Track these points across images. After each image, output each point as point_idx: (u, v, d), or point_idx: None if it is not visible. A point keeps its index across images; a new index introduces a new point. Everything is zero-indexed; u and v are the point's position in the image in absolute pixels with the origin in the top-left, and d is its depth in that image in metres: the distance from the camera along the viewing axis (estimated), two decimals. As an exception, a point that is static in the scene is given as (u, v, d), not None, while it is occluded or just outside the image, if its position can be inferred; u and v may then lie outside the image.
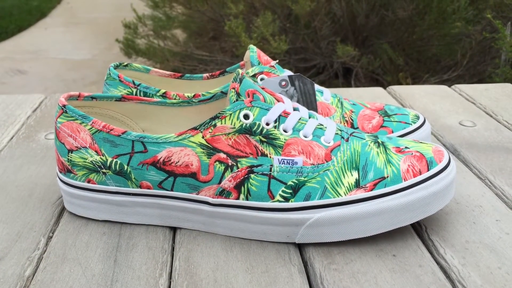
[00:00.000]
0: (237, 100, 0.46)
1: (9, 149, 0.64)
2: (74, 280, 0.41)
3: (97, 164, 0.47)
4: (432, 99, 0.80)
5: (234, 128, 0.45)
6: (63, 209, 0.51)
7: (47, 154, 0.62)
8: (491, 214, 0.50)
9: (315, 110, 0.56)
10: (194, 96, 0.55)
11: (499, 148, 0.64)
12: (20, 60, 3.06)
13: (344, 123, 0.57)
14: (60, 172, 0.49)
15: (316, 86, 0.59)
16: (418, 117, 0.59)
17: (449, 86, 0.86)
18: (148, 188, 0.47)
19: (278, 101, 0.48)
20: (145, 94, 0.56)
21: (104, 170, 0.47)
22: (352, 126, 0.57)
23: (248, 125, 0.45)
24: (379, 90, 0.84)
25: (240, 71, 0.48)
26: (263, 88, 0.49)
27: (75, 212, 0.50)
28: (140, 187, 0.47)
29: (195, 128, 0.46)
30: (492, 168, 0.59)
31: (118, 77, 0.57)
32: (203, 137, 0.45)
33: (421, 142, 0.50)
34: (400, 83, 2.02)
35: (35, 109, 0.76)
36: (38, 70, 2.89)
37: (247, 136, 0.45)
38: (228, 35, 2.02)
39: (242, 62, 0.60)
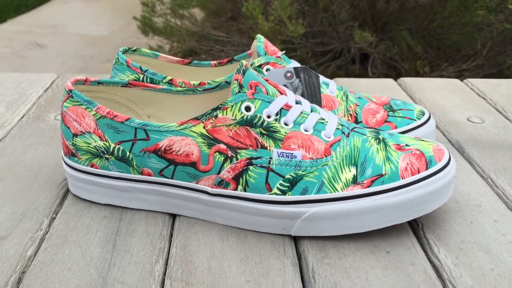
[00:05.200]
0: (239, 91, 0.46)
1: (19, 129, 0.65)
2: (73, 262, 0.43)
3: (100, 149, 0.48)
4: (442, 93, 0.80)
5: (235, 119, 0.46)
6: (67, 191, 0.53)
7: (55, 135, 0.64)
8: (490, 214, 0.51)
9: (319, 102, 0.56)
10: (199, 84, 0.56)
11: (504, 147, 0.63)
12: (39, 34, 3.08)
13: (348, 117, 0.57)
14: (65, 155, 0.51)
15: (322, 78, 0.59)
16: (423, 113, 0.58)
17: (467, 76, 0.85)
18: (149, 175, 0.48)
19: (281, 93, 0.49)
20: (152, 80, 0.57)
21: (107, 156, 0.48)
22: (356, 120, 0.57)
23: (249, 117, 0.46)
24: (389, 81, 0.84)
25: (244, 62, 0.48)
26: (266, 80, 0.49)
27: (78, 194, 0.51)
28: (142, 173, 0.48)
29: (196, 118, 0.46)
30: (496, 167, 0.59)
31: (126, 62, 0.58)
32: (204, 128, 0.46)
33: (422, 140, 0.50)
34: (418, 71, 2.00)
35: (46, 89, 0.77)
36: (56, 44, 2.91)
37: (248, 128, 0.46)
38: (245, 17, 2.01)
39: (249, 51, 0.61)
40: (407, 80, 0.84)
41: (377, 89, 0.81)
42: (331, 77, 2.21)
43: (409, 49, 2.05)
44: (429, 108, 0.74)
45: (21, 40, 2.96)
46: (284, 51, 0.58)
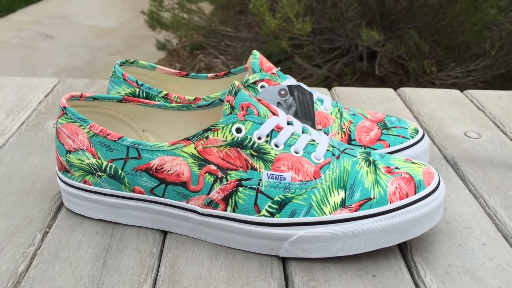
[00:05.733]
0: (230, 113, 0.47)
1: (18, 137, 0.66)
2: (63, 280, 0.44)
3: (93, 166, 0.49)
4: (441, 105, 0.80)
5: (226, 141, 0.46)
6: (61, 204, 0.54)
7: (53, 144, 0.64)
8: (479, 237, 0.51)
9: (313, 120, 0.56)
10: (194, 100, 0.56)
11: (499, 165, 0.63)
12: (48, 24, 3.09)
13: (342, 134, 0.57)
14: (59, 170, 0.51)
15: (317, 94, 0.59)
16: (417, 132, 0.59)
17: (475, 76, 0.85)
18: (141, 193, 0.49)
19: (273, 113, 0.49)
20: (148, 94, 0.57)
21: (99, 173, 0.49)
22: (350, 138, 0.57)
23: (239, 138, 0.46)
24: (389, 92, 0.84)
25: (237, 83, 0.48)
26: (259, 100, 0.50)
27: (72, 209, 0.52)
28: (133, 191, 0.49)
29: (188, 139, 0.47)
30: (489, 186, 0.59)
31: (123, 75, 0.58)
32: (195, 148, 0.46)
33: (413, 162, 0.50)
34: (425, 71, 1.99)
35: (47, 94, 0.78)
36: (65, 35, 2.92)
37: (238, 149, 0.46)
38: (253, 14, 2.00)
39: (245, 66, 0.61)
40: (407, 91, 0.84)
41: (376, 99, 0.81)
42: (338, 74, 2.20)
43: (417, 48, 2.04)
44: (427, 121, 0.74)
45: (30, 30, 2.98)
46: (279, 68, 0.59)
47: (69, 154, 0.49)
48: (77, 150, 0.49)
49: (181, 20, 2.23)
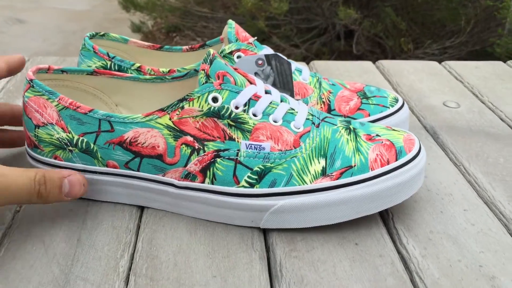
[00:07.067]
0: (206, 82, 0.45)
1: (-15, 116, 0.63)
2: (36, 258, 0.42)
3: (64, 141, 0.47)
4: (420, 76, 0.79)
5: (202, 111, 0.45)
6: (33, 182, 0.51)
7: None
8: (460, 203, 0.50)
9: (292, 90, 0.55)
10: (169, 72, 0.54)
11: (479, 133, 0.63)
12: (20, 9, 3.01)
13: (321, 104, 0.56)
14: (28, 147, 0.49)
15: (295, 65, 0.58)
16: (396, 100, 0.58)
17: (451, 53, 0.85)
18: (115, 167, 0.47)
19: (251, 83, 0.47)
20: (120, 67, 0.55)
21: (70, 148, 0.47)
22: (329, 108, 0.56)
23: (216, 108, 0.45)
24: (367, 64, 0.83)
25: (212, 51, 0.47)
26: (235, 69, 0.48)
27: (44, 186, 0.50)
28: (107, 166, 0.47)
29: (162, 110, 0.45)
30: (469, 153, 0.59)
31: (93, 48, 0.56)
32: (170, 119, 0.45)
33: (393, 130, 0.49)
34: (402, 49, 1.99)
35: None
36: (37, 20, 2.85)
37: (215, 119, 0.45)
38: (228, -7, 1.97)
39: (221, 37, 0.59)
40: (385, 63, 0.83)
41: (355, 72, 0.80)
42: (316, 53, 2.19)
43: (394, 26, 2.04)
44: (406, 92, 0.74)
45: (0, 15, 2.89)
46: (255, 38, 0.57)
47: (38, 129, 0.47)
48: (46, 125, 0.47)
49: (156, 1, 2.18)
